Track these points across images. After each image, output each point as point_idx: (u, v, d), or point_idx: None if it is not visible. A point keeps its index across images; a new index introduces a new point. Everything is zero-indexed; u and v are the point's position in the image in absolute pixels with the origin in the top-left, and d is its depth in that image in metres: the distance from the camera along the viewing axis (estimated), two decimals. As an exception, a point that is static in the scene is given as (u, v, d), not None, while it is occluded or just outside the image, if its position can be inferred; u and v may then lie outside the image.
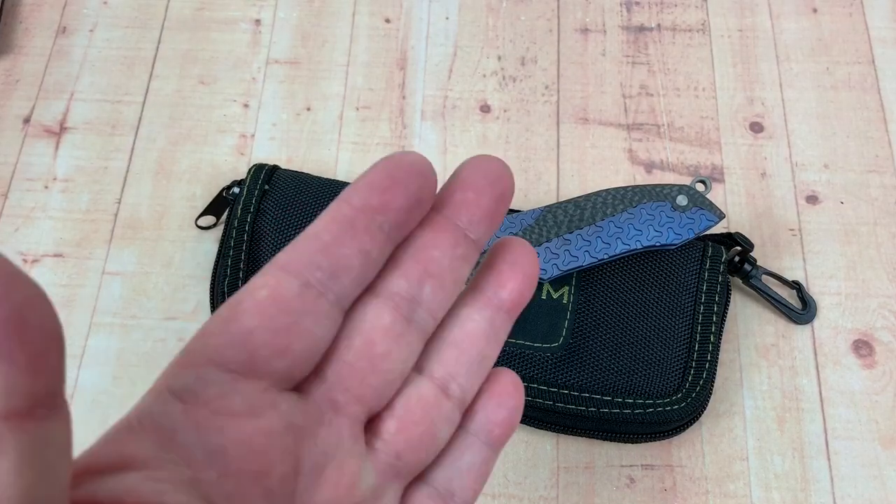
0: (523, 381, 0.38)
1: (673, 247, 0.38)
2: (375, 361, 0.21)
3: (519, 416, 0.24)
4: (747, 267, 0.42)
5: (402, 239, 0.21)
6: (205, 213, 0.45)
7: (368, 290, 0.21)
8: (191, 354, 0.19)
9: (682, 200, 0.38)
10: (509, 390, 0.24)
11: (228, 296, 0.40)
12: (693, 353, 0.39)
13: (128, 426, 0.18)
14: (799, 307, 0.43)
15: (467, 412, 0.23)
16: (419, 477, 0.23)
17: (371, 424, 0.22)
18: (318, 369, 0.20)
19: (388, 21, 0.52)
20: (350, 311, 0.21)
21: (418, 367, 0.22)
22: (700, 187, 0.39)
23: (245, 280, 0.40)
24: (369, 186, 0.20)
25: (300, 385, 0.20)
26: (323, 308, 0.19)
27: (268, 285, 0.19)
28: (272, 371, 0.19)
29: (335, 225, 0.20)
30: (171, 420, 0.18)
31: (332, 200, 0.42)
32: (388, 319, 0.21)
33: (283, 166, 0.44)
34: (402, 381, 0.22)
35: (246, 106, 0.49)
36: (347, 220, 0.20)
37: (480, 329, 0.23)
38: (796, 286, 0.43)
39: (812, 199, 0.46)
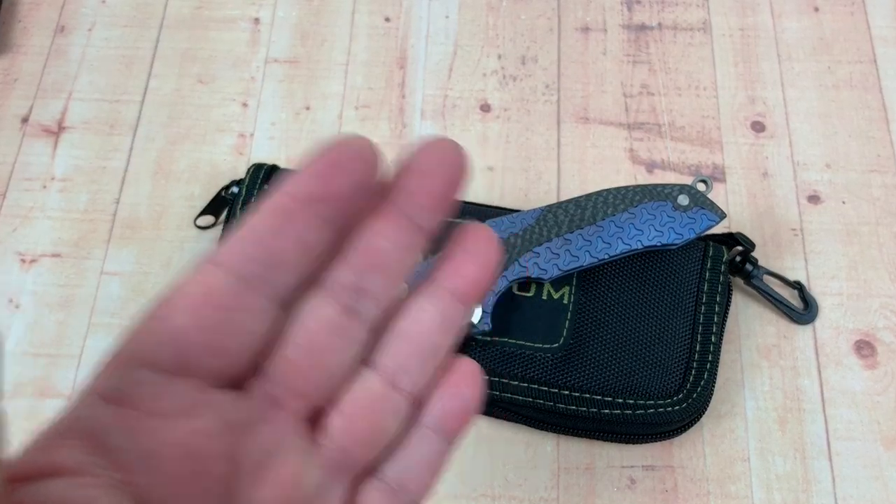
0: (523, 382, 0.38)
1: (674, 247, 0.38)
2: (317, 356, 0.20)
3: (477, 407, 0.23)
4: (748, 267, 0.42)
5: (347, 228, 0.20)
6: (203, 212, 0.44)
7: (312, 281, 0.20)
8: (120, 355, 0.18)
9: (683, 200, 0.38)
10: (466, 381, 0.23)
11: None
12: (694, 354, 0.39)
13: (56, 432, 0.17)
14: (800, 307, 0.43)
15: (421, 404, 0.23)
16: (369, 471, 0.22)
17: (316, 420, 0.21)
18: (257, 365, 0.20)
19: (387, 20, 0.52)
20: (292, 304, 0.20)
21: (367, 360, 0.22)
22: (701, 187, 0.38)
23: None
24: (308, 175, 0.19)
25: (239, 382, 0.19)
26: (258, 303, 0.19)
27: (199, 281, 0.18)
28: (206, 369, 0.18)
29: (271, 216, 0.19)
30: (101, 424, 0.17)
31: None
32: (330, 312, 0.20)
33: (283, 166, 0.43)
34: (349, 375, 0.21)
35: (245, 105, 0.49)
36: (284, 211, 0.19)
37: (433, 320, 0.22)
38: (798, 286, 0.43)
39: (814, 198, 0.46)
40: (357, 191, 0.20)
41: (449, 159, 0.21)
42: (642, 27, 0.51)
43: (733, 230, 0.43)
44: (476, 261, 0.23)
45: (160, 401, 0.18)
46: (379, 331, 0.22)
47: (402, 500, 0.22)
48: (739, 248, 0.42)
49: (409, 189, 0.21)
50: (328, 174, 0.19)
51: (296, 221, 0.19)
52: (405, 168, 0.21)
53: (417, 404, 0.22)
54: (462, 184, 0.21)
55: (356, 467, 0.21)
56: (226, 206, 0.44)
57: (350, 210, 0.20)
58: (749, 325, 0.43)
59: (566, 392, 0.38)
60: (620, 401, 0.38)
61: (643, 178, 0.47)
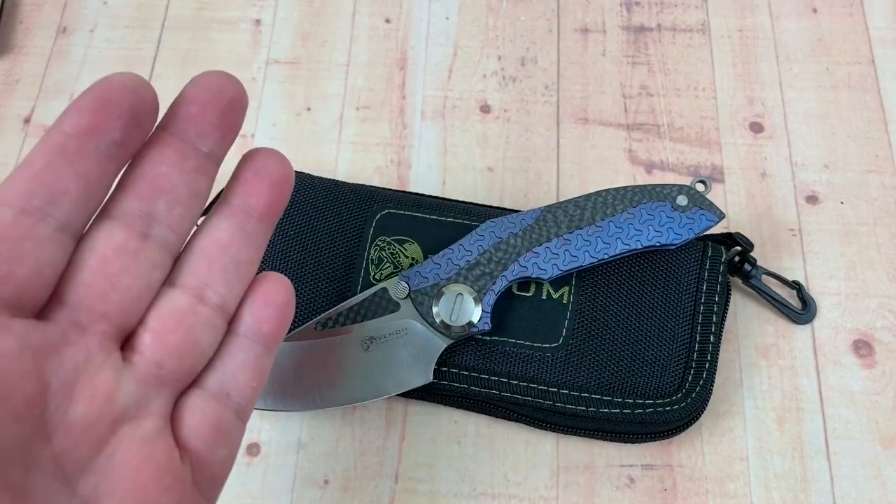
0: (523, 381, 0.38)
1: (673, 247, 0.38)
2: (113, 279, 0.21)
3: (290, 313, 0.25)
4: (747, 267, 0.42)
5: (127, 159, 0.21)
6: (205, 213, 0.45)
7: (101, 213, 0.22)
8: None
9: (682, 200, 0.38)
10: (275, 288, 0.25)
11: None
12: (693, 353, 0.39)
13: None
14: (799, 307, 0.43)
15: (235, 316, 0.24)
16: (193, 383, 0.23)
17: (128, 340, 0.22)
18: (57, 294, 0.21)
19: (388, 21, 0.52)
20: (83, 234, 0.21)
21: (170, 281, 0.23)
22: (700, 187, 0.39)
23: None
24: (79, 110, 0.20)
25: (38, 311, 0.20)
26: (44, 232, 0.20)
27: None
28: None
29: (47, 152, 0.20)
30: None
31: (332, 200, 0.42)
32: (121, 238, 0.21)
33: (284, 166, 0.44)
34: (153, 296, 0.22)
35: (246, 106, 0.49)
36: (58, 146, 0.20)
37: (229, 236, 0.24)
38: (796, 286, 0.43)
39: (812, 199, 0.46)
40: (131, 123, 0.21)
41: (220, 87, 0.23)
42: (641, 28, 0.52)
43: (732, 230, 0.43)
44: (265, 179, 0.25)
45: None
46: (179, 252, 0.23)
47: (227, 406, 0.24)
48: (738, 248, 0.42)
49: (185, 117, 0.22)
50: (98, 108, 0.20)
51: (70, 155, 0.20)
52: (179, 99, 0.23)
53: (229, 316, 0.24)
54: (239, 109, 0.23)
55: (177, 380, 0.23)
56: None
57: (128, 142, 0.21)
58: (748, 324, 0.43)
59: (565, 391, 0.38)
60: (619, 400, 0.38)
61: (642, 179, 0.47)
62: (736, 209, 0.46)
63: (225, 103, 0.23)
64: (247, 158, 0.25)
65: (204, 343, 0.23)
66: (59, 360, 0.20)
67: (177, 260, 0.23)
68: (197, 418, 0.23)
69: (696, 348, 0.39)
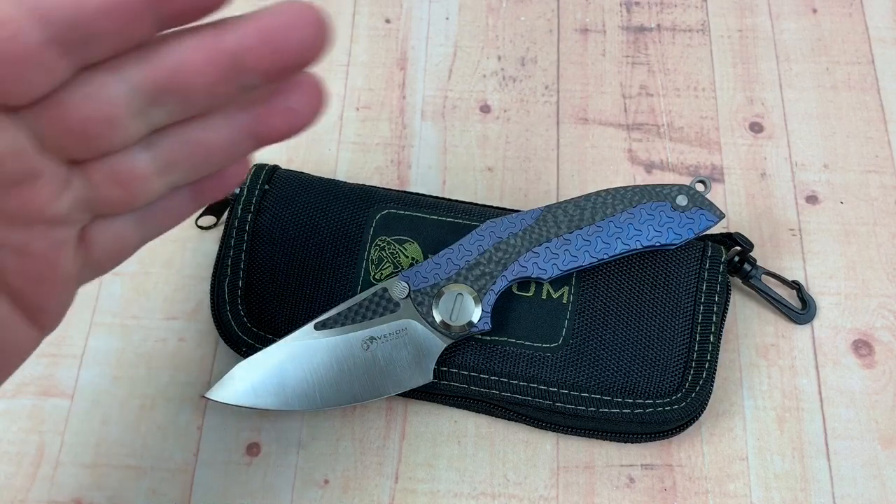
0: (523, 381, 0.38)
1: (673, 247, 0.38)
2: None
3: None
4: (747, 267, 0.42)
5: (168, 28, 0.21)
6: (205, 213, 0.45)
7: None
8: None
9: (681, 200, 0.38)
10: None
11: (229, 295, 0.40)
12: (693, 353, 0.39)
13: None
14: (799, 307, 0.43)
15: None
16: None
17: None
18: (35, 109, 0.20)
19: (388, 21, 0.52)
20: (89, 72, 0.21)
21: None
22: (700, 187, 0.39)
23: (246, 280, 0.40)
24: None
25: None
26: (53, 59, 0.19)
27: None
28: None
29: None
30: None
31: (332, 200, 0.42)
32: (116, 91, 0.21)
33: (283, 166, 0.44)
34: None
35: (246, 106, 0.49)
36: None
37: (222, 131, 0.24)
38: (796, 286, 0.43)
39: (812, 199, 0.46)
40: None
41: (302, 23, 0.21)
42: (641, 28, 0.52)
43: (732, 230, 0.43)
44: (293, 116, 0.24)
45: None
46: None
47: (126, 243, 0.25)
48: (738, 248, 0.42)
49: (244, 30, 0.21)
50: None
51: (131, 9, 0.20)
52: (252, 14, 0.21)
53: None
54: (311, 52, 0.21)
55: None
56: (227, 206, 0.44)
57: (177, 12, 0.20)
58: (747, 324, 0.43)
59: (565, 391, 0.38)
60: (619, 400, 0.38)
61: (642, 179, 0.47)
62: (736, 209, 0.46)
63: (294, 38, 0.21)
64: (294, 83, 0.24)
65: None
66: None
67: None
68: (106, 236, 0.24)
69: (696, 348, 0.39)
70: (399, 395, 0.38)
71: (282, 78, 0.22)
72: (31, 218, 0.21)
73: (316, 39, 0.21)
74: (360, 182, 0.45)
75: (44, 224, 0.22)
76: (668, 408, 0.38)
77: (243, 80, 0.22)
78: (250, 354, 0.37)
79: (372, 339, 0.37)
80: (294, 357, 0.37)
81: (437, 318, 0.37)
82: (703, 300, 0.40)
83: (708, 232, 0.40)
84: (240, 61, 0.21)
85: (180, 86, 0.21)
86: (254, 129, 0.24)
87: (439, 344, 0.37)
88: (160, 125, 0.22)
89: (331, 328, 0.37)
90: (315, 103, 0.23)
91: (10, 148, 0.20)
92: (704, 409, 0.39)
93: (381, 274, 0.40)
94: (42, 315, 0.24)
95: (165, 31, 0.21)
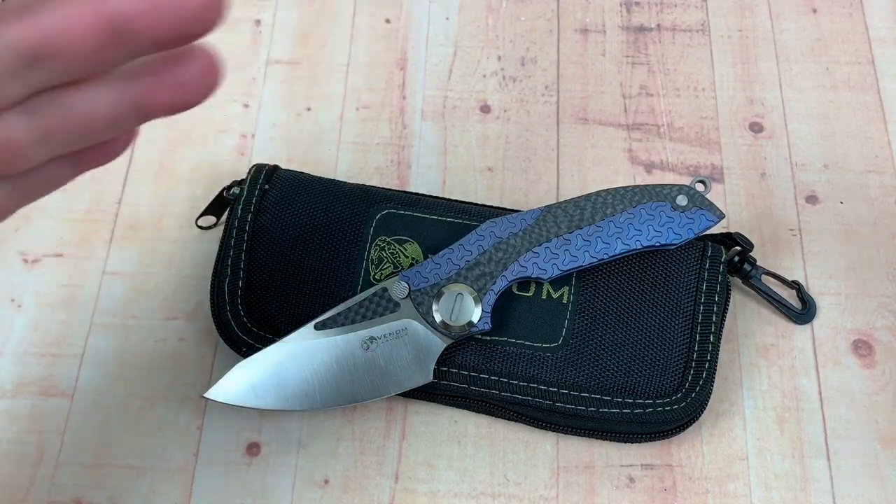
0: (523, 381, 0.38)
1: (673, 247, 0.38)
2: None
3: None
4: (747, 267, 0.42)
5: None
6: (205, 213, 0.45)
7: None
8: None
9: (681, 200, 0.38)
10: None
11: (229, 295, 0.40)
12: (693, 353, 0.39)
13: None
14: (798, 307, 0.43)
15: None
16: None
17: None
18: None
19: (388, 21, 0.52)
20: None
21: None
22: (700, 187, 0.39)
23: (246, 280, 0.40)
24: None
25: None
26: None
27: None
28: None
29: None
30: None
31: (332, 200, 0.42)
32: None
33: (284, 166, 0.44)
34: None
35: (246, 106, 0.49)
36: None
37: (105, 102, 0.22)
38: (796, 286, 0.43)
39: (812, 199, 0.46)
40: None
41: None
42: (641, 28, 0.52)
43: (732, 230, 0.43)
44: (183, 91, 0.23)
45: None
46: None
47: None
48: (738, 248, 0.42)
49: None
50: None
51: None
52: None
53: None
54: (206, 20, 0.20)
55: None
56: (227, 206, 0.44)
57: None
58: (747, 324, 0.43)
59: (565, 391, 0.38)
60: (619, 400, 0.38)
61: (642, 179, 0.47)
62: (735, 209, 0.46)
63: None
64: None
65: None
66: None
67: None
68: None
69: (696, 348, 0.39)
70: (399, 395, 0.38)
71: (172, 46, 0.21)
72: None
73: (210, 7, 0.20)
74: (360, 182, 0.45)
75: None
76: (668, 408, 0.38)
77: (130, 46, 0.20)
78: (250, 354, 0.37)
79: (372, 339, 0.37)
80: (294, 357, 0.37)
81: (437, 318, 0.37)
82: (703, 300, 0.40)
83: (708, 232, 0.40)
84: (127, 24, 0.20)
85: (59, 48, 0.20)
86: (139, 101, 0.22)
87: (439, 344, 0.37)
88: (38, 88, 0.21)
89: (331, 328, 0.37)
90: (208, 79, 0.22)
91: None
92: (704, 409, 0.39)
93: (381, 274, 0.40)
94: None
95: None
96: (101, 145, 0.24)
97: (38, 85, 0.21)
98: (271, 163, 0.44)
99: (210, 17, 0.20)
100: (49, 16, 0.20)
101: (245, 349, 0.39)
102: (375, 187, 0.43)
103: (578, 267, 0.38)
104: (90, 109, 0.22)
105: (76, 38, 0.20)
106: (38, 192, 0.25)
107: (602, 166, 0.47)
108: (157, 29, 0.20)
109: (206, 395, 0.36)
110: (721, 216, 0.38)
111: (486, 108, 0.49)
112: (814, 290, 0.44)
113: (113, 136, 0.24)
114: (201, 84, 0.22)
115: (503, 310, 0.39)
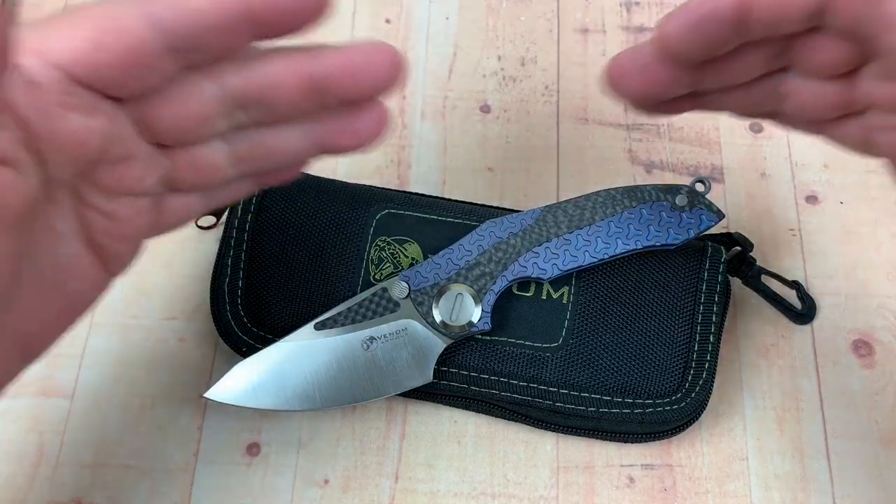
0: (522, 381, 0.38)
1: (673, 247, 0.38)
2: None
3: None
4: (747, 267, 0.42)
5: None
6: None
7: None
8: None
9: (681, 200, 0.38)
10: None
11: (229, 295, 0.40)
12: (692, 353, 0.39)
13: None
14: (798, 307, 0.43)
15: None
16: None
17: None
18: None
19: (388, 21, 0.52)
20: (191, 73, 0.24)
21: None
22: (700, 187, 0.39)
23: (246, 280, 0.40)
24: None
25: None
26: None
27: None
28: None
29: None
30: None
31: (332, 200, 0.42)
32: (208, 93, 0.25)
33: (284, 166, 0.44)
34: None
35: (246, 106, 0.49)
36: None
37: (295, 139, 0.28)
38: (796, 286, 0.43)
39: (812, 199, 0.46)
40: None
41: (382, 60, 0.25)
42: (641, 29, 0.52)
43: (732, 230, 0.43)
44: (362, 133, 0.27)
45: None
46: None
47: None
48: (738, 248, 0.42)
49: (332, 60, 0.25)
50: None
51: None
52: (340, 47, 0.25)
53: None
54: (385, 84, 0.25)
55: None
56: (227, 206, 0.44)
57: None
58: (747, 324, 0.43)
59: (565, 391, 0.38)
60: (619, 400, 0.38)
61: (642, 179, 0.47)
62: (735, 209, 0.46)
63: (376, 73, 0.25)
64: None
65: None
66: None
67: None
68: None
69: (696, 348, 0.39)
70: (399, 395, 0.38)
71: (355, 103, 0.26)
72: (123, 191, 0.25)
73: (390, 74, 0.25)
74: (360, 182, 0.45)
75: (131, 195, 0.26)
76: (668, 408, 0.38)
77: (322, 101, 0.25)
78: (250, 354, 0.37)
79: (372, 339, 0.37)
80: (294, 357, 0.37)
81: (437, 317, 0.37)
82: (703, 300, 0.40)
83: (708, 232, 0.40)
84: (323, 85, 0.25)
85: (268, 97, 0.25)
86: (321, 141, 0.27)
87: (439, 344, 0.37)
88: (242, 126, 0.26)
89: (331, 328, 0.37)
90: (378, 129, 0.27)
91: (117, 134, 0.24)
92: (704, 409, 0.39)
93: (381, 274, 0.40)
94: (113, 263, 0.27)
95: (264, 48, 0.25)
96: (281, 169, 0.29)
97: (243, 124, 0.26)
98: (271, 163, 0.44)
99: (389, 82, 0.25)
100: (262, 70, 0.25)
101: (245, 349, 0.39)
102: (375, 187, 0.43)
103: (578, 267, 0.38)
104: (280, 144, 0.27)
105: (282, 91, 0.25)
106: (222, 201, 0.29)
107: (602, 166, 0.47)
108: (347, 89, 0.25)
109: (206, 395, 0.36)
110: (721, 216, 0.38)
111: (486, 108, 0.49)
112: (814, 290, 0.44)
113: (293, 165, 0.29)
114: (373, 133, 0.27)
115: (503, 310, 0.39)
